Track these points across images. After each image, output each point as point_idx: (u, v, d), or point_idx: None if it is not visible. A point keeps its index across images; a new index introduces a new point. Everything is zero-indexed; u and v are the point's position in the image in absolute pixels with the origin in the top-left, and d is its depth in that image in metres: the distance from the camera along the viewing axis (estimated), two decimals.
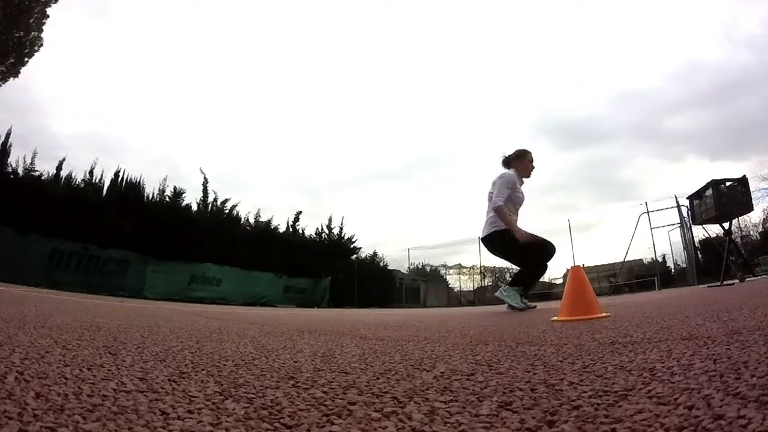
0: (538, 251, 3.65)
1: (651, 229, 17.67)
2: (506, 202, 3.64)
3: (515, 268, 4.11)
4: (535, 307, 3.82)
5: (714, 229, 10.39)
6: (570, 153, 54.19)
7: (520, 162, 3.83)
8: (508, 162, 3.89)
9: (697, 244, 16.93)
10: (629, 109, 50.87)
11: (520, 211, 3.91)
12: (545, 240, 3.74)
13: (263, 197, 41.93)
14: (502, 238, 3.70)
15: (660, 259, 19.68)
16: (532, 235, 3.67)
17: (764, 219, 20.60)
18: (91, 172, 11.34)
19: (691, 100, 50.63)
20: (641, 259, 21.69)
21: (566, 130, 53.79)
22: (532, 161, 3.86)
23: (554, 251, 3.78)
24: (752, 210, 6.32)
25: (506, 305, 3.53)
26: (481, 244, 3.96)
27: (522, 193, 3.85)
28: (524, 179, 3.87)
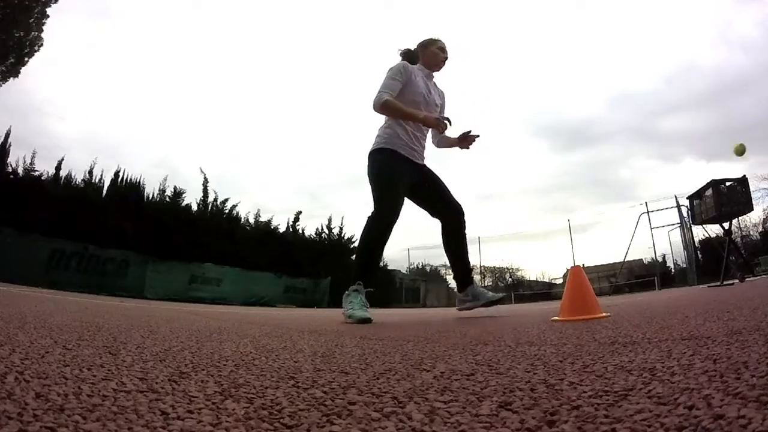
0: (389, 194, 2.60)
1: (651, 229, 17.72)
2: (401, 99, 2.65)
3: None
4: (479, 307, 2.76)
5: (714, 229, 10.41)
6: (568, 154, 54.27)
7: (425, 50, 2.89)
8: (410, 56, 2.93)
9: (697, 244, 16.94)
10: (626, 110, 51.02)
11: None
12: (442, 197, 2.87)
13: (263, 197, 41.93)
14: (369, 162, 2.74)
15: (660, 259, 19.72)
16: (443, 125, 2.69)
17: (764, 219, 20.66)
18: (90, 172, 11.35)
19: (687, 102, 50.79)
20: (641, 259, 21.74)
21: (564, 132, 53.90)
22: (442, 48, 2.90)
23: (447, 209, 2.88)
24: (752, 210, 6.32)
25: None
26: None
27: (430, 88, 2.84)
28: (434, 72, 2.93)
